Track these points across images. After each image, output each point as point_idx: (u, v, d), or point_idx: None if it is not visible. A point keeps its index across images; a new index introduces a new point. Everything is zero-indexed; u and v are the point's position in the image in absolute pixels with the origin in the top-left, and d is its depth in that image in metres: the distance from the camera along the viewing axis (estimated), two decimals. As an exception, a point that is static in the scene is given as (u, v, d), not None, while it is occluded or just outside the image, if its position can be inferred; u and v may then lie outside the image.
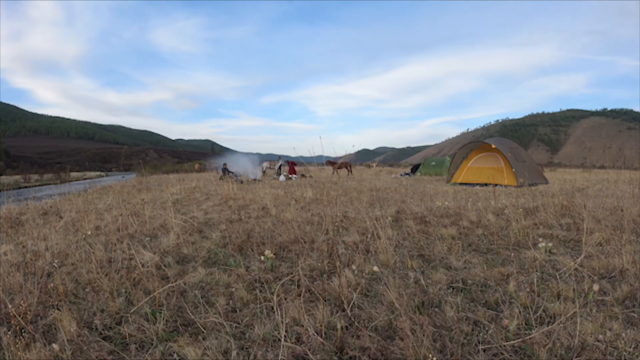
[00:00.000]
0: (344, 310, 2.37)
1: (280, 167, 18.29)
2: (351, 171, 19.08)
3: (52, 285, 2.70)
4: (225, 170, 16.82)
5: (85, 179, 30.99)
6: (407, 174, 19.71)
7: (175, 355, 1.95)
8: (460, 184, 11.80)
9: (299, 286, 2.75)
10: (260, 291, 2.70)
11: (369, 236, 4.08)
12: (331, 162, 18.17)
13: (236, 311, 2.46)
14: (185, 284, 2.92)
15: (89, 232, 4.60)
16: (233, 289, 2.79)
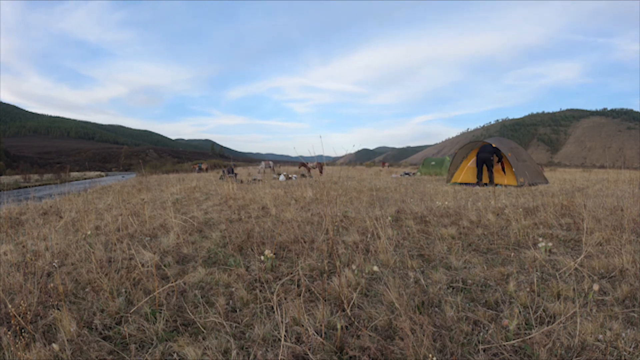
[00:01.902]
0: (344, 310, 2.37)
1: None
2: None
3: (52, 285, 2.70)
4: (230, 170, 17.00)
5: (85, 178, 31.02)
6: (408, 173, 19.74)
7: (175, 355, 1.95)
8: (460, 183, 11.80)
9: (298, 286, 2.75)
10: (260, 291, 2.70)
11: (369, 236, 4.08)
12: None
13: (236, 311, 2.46)
14: (185, 283, 2.92)
15: (89, 232, 4.59)
16: (233, 289, 2.79)
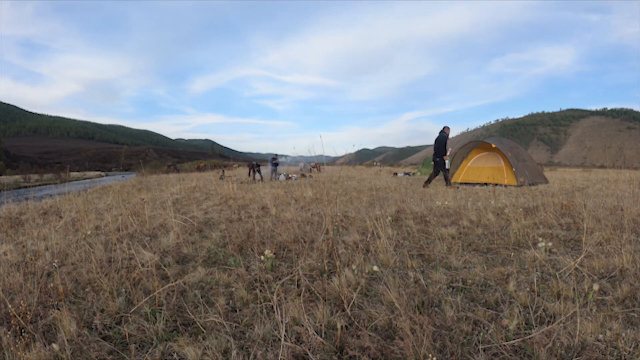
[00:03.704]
0: (343, 310, 2.37)
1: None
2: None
3: (52, 285, 2.70)
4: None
5: (85, 178, 31.02)
6: (408, 173, 19.75)
7: (175, 355, 1.95)
8: (460, 183, 11.80)
9: (298, 286, 2.75)
10: (260, 291, 2.70)
11: (369, 236, 4.08)
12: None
13: (236, 311, 2.46)
14: (185, 283, 2.92)
15: (89, 232, 4.60)
16: (233, 289, 2.79)
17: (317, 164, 21.70)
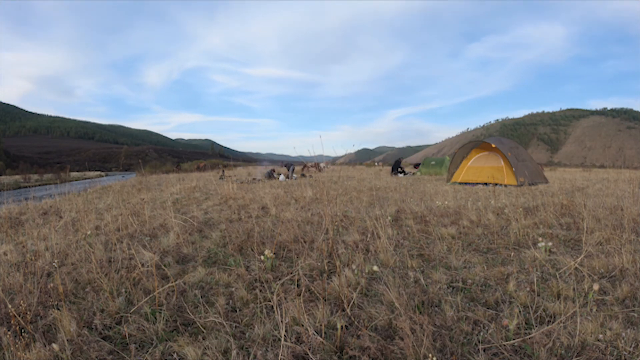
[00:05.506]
0: (343, 309, 2.37)
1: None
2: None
3: (52, 285, 2.70)
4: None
5: (85, 178, 31.00)
6: (407, 173, 19.72)
7: (175, 355, 1.95)
8: (460, 183, 11.79)
9: (298, 286, 2.75)
10: (260, 291, 2.70)
11: (369, 236, 4.08)
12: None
13: (236, 311, 2.46)
14: (185, 283, 2.92)
15: (89, 232, 4.60)
16: (233, 289, 2.79)
17: (316, 164, 21.46)
